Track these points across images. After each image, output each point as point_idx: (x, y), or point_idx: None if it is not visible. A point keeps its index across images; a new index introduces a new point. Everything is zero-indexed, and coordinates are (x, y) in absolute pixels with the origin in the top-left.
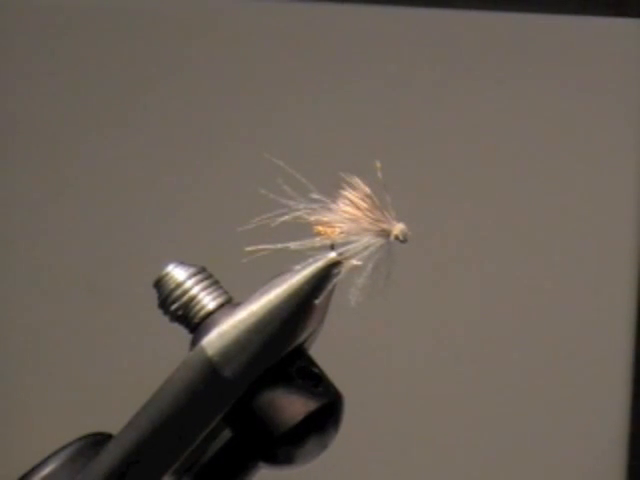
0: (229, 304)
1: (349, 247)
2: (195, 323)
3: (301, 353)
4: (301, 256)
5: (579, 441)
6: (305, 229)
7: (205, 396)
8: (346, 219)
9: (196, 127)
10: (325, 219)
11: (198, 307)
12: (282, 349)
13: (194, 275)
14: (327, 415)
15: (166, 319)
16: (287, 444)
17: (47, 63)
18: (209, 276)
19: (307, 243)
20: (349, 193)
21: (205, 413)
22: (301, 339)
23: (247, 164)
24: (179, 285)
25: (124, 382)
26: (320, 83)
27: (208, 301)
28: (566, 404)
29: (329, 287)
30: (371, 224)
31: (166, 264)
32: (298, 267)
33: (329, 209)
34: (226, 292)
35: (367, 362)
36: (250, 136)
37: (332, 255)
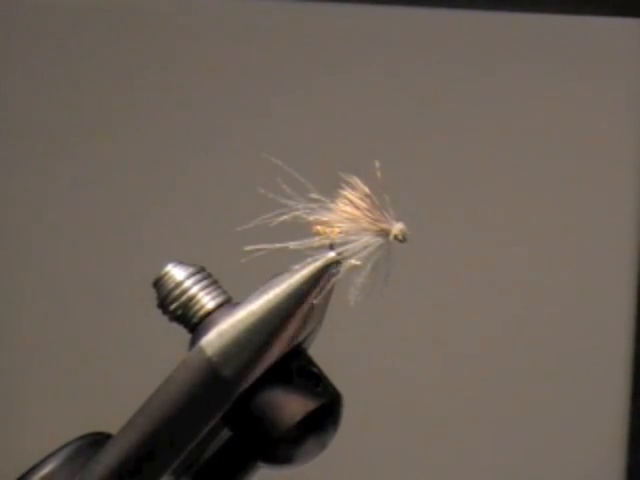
0: (228, 304)
1: (348, 247)
2: (194, 323)
3: (300, 353)
4: (300, 256)
5: (579, 440)
6: (304, 229)
7: (204, 396)
8: (345, 219)
9: (195, 127)
10: (324, 219)
11: (197, 307)
12: (281, 349)
13: (193, 275)
14: (326, 415)
15: (165, 319)
16: (286, 444)
17: (45, 63)
18: (208, 276)
19: (306, 243)
20: (348, 193)
21: (204, 413)
22: (300, 339)
23: (246, 164)
24: (178, 285)
25: (123, 382)
26: (319, 82)
27: (207, 301)
28: (566, 403)
29: (328, 287)
30: (370, 224)
31: (165, 264)
32: (297, 267)
33: (328, 209)
34: (225, 292)
35: (366, 361)
36: (249, 135)
37: (331, 255)
